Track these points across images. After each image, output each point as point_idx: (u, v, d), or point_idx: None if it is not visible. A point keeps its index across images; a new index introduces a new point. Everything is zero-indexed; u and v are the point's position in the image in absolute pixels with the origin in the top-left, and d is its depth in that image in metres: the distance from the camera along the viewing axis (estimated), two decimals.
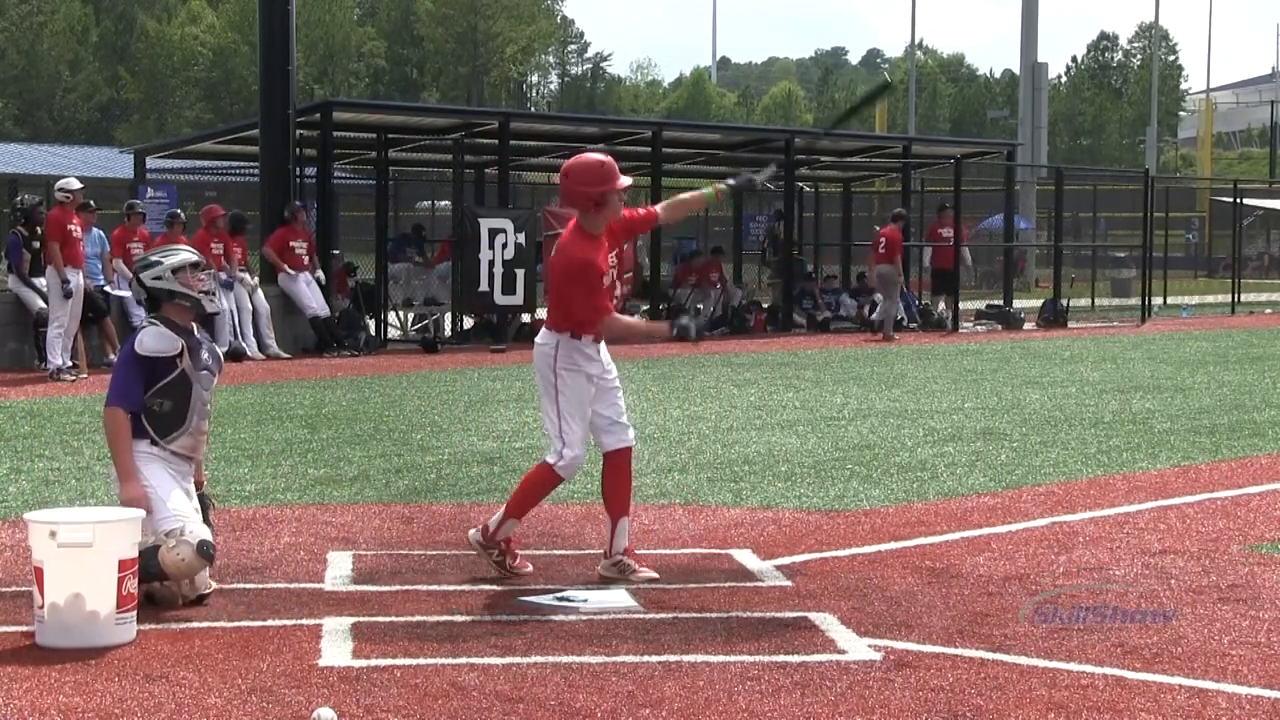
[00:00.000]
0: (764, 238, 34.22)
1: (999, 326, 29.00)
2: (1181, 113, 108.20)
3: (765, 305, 29.40)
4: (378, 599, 7.22)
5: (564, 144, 29.11)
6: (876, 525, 9.08)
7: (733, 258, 31.95)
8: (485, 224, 22.55)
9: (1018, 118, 59.22)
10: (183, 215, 21.87)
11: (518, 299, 23.17)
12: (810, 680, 5.88)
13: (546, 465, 7.62)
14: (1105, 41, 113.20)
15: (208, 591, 7.03)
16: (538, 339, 7.72)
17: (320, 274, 22.13)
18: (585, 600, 7.12)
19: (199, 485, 7.44)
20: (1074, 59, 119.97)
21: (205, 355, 7.30)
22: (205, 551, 6.86)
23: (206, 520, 7.25)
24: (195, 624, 6.69)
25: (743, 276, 31.82)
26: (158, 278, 7.22)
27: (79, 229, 18.07)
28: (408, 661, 6.11)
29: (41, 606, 6.35)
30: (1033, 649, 6.34)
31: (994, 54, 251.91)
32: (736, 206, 34.03)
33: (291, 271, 21.73)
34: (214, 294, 7.48)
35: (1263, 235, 63.17)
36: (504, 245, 22.54)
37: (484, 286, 22.73)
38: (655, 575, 7.57)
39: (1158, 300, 34.85)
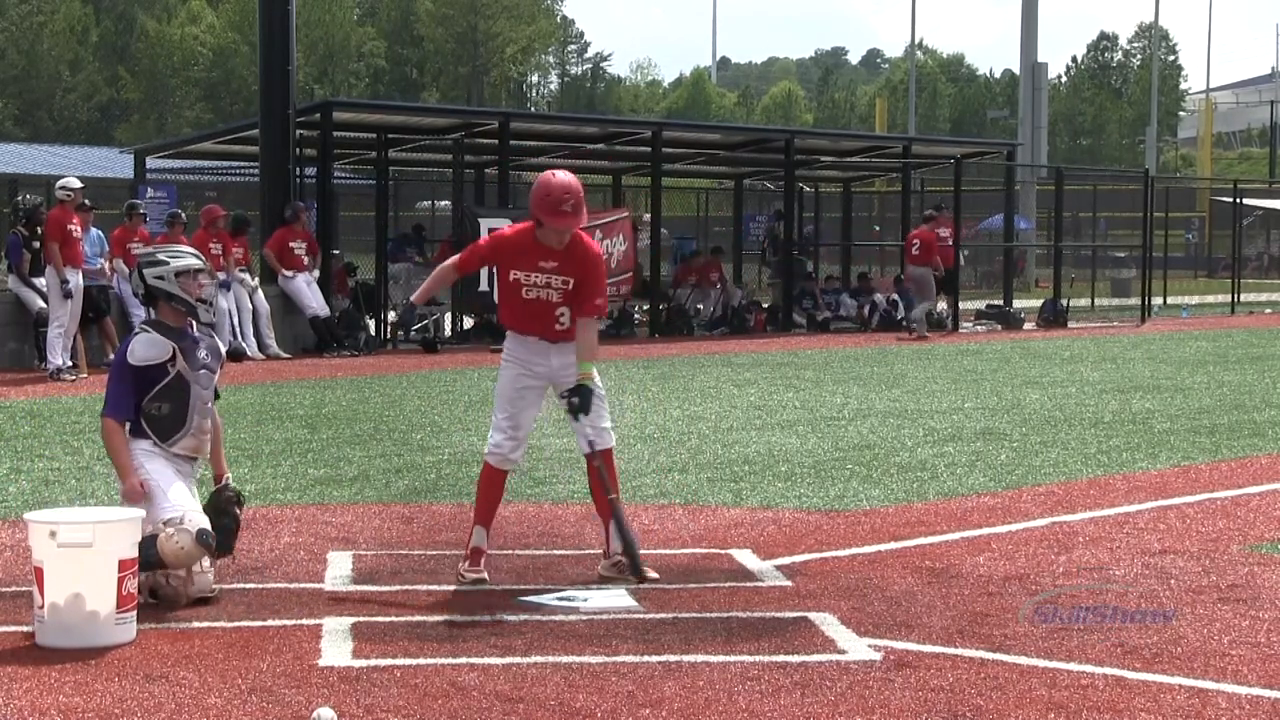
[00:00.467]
0: (764, 238, 34.23)
1: (999, 326, 29.00)
2: (1181, 113, 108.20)
3: (765, 305, 29.40)
4: (378, 599, 7.22)
5: (564, 144, 29.13)
6: (876, 525, 9.08)
7: (733, 258, 31.96)
8: (485, 224, 22.54)
9: (1018, 118, 59.22)
10: (183, 215, 21.86)
11: None
12: (810, 680, 5.88)
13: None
14: (1105, 41, 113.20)
15: (211, 594, 7.02)
16: None
17: (316, 273, 22.11)
18: (585, 600, 7.12)
19: (220, 478, 7.44)
20: (1074, 59, 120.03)
21: (203, 353, 7.31)
22: (204, 540, 6.87)
23: (235, 515, 7.25)
24: (195, 624, 6.69)
25: (743, 276, 31.81)
26: (160, 277, 7.24)
27: (79, 229, 18.06)
28: (408, 661, 6.11)
29: (41, 606, 6.35)
30: (1033, 649, 6.34)
31: (994, 54, 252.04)
32: (736, 206, 34.05)
33: (289, 273, 21.73)
34: (212, 304, 7.45)
35: (1263, 235, 63.15)
36: None
37: (484, 286, 22.71)
38: (655, 575, 7.57)
39: (1158, 300, 34.85)
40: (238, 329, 20.58)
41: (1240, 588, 7.49)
